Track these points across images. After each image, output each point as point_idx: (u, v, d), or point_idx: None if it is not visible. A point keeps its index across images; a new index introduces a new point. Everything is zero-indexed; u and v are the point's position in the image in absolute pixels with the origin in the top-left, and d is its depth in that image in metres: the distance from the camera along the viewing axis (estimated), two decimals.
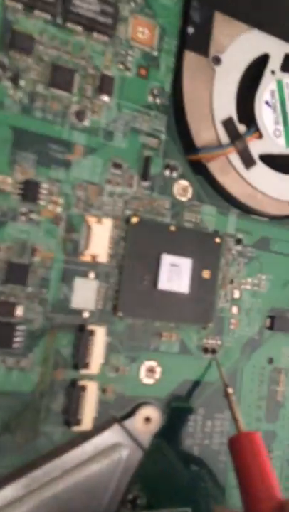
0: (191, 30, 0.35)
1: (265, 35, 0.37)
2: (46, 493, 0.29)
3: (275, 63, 0.38)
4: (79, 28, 0.31)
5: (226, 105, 0.36)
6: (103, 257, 0.32)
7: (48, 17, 0.31)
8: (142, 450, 0.32)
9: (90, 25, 0.31)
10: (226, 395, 0.33)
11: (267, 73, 0.38)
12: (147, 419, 0.33)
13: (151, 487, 0.33)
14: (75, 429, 0.30)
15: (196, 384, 0.35)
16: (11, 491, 0.28)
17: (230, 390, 0.33)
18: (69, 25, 0.31)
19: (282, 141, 0.38)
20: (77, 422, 0.30)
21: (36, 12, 0.30)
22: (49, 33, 0.31)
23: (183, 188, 0.35)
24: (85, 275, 0.31)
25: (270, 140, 0.37)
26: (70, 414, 0.30)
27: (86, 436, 0.31)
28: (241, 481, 0.28)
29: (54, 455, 0.30)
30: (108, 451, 0.31)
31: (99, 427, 0.31)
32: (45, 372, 0.30)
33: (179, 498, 0.34)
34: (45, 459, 0.30)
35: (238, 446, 0.29)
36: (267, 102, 0.38)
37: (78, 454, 0.31)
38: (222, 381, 0.34)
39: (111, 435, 0.32)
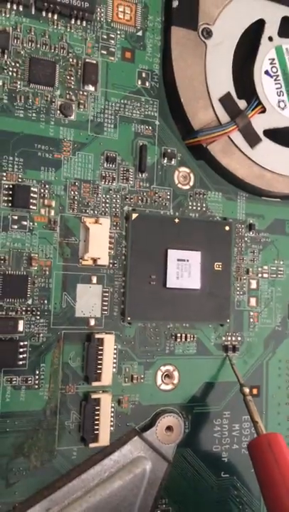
0: (175, 3, 0.34)
1: (257, 0, 0.36)
2: None
3: (271, 29, 0.37)
4: (55, 16, 0.31)
5: (222, 81, 0.35)
6: (104, 259, 0.31)
7: (21, 8, 0.30)
8: (166, 462, 0.32)
9: (67, 12, 0.31)
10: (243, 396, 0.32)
11: (264, 40, 0.37)
12: (169, 428, 0.32)
13: (180, 500, 0.33)
14: (93, 445, 0.30)
15: (219, 386, 0.34)
16: None
17: (246, 390, 0.33)
18: (44, 14, 0.31)
19: (288, 112, 0.37)
20: (94, 439, 0.30)
21: (8, 4, 0.30)
22: (24, 25, 0.31)
23: (184, 176, 0.35)
24: (87, 280, 0.31)
25: (275, 113, 0.37)
26: (86, 431, 0.30)
27: (106, 452, 0.31)
28: (264, 488, 0.27)
29: (73, 475, 0.30)
30: (130, 466, 0.31)
31: (118, 442, 0.31)
32: (54, 389, 0.30)
33: (211, 509, 0.34)
34: (64, 480, 0.30)
35: (257, 450, 0.28)
36: (267, 72, 0.37)
37: (99, 471, 0.31)
38: (238, 380, 0.33)
39: (131, 449, 0.31)
